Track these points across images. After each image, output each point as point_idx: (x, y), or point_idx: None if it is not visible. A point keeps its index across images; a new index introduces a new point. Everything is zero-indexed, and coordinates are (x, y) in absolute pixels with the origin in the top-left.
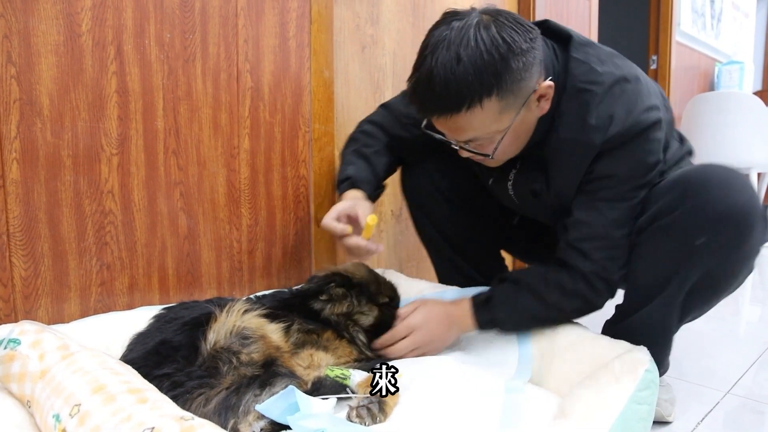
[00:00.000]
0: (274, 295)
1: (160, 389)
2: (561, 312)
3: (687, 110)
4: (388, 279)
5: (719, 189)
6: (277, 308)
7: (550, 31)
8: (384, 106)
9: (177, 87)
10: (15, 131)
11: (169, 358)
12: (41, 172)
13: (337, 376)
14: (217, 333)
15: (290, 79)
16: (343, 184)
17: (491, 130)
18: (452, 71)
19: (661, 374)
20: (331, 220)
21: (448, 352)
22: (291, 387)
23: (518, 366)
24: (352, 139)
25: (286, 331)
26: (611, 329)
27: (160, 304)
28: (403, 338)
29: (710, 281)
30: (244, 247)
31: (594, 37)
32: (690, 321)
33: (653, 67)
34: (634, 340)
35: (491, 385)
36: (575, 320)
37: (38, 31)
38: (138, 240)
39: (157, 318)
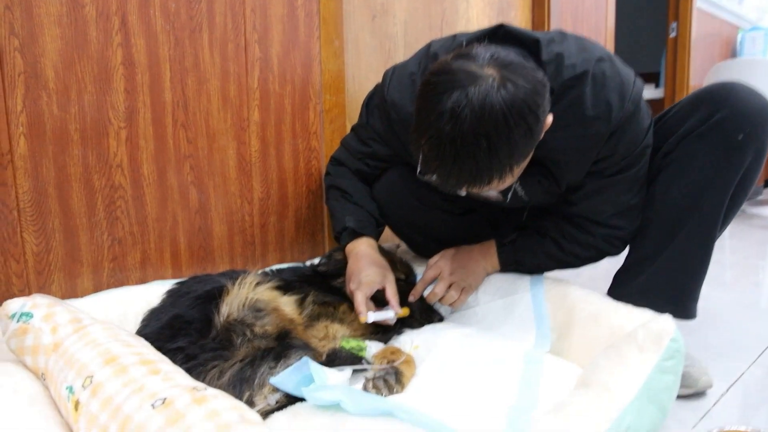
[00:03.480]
0: (292, 269)
1: (174, 362)
2: (577, 258)
3: (708, 79)
4: (402, 257)
5: (749, 92)
6: (292, 281)
7: (512, 37)
8: (343, 144)
9: (184, 58)
10: (21, 105)
11: (183, 331)
12: (49, 146)
13: (352, 348)
14: (230, 306)
15: (299, 49)
16: (343, 233)
17: (512, 182)
18: (485, 153)
19: (689, 317)
20: (368, 311)
21: (464, 325)
22: (305, 358)
23: (536, 338)
24: (331, 187)
25: (300, 303)
26: (632, 280)
27: (173, 278)
28: (438, 282)
29: (746, 181)
30: (256, 221)
31: (611, 4)
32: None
33: (673, 35)
34: (665, 281)
35: (510, 355)
36: (594, 291)
37: (40, 1)
38: (149, 214)
39: (170, 293)
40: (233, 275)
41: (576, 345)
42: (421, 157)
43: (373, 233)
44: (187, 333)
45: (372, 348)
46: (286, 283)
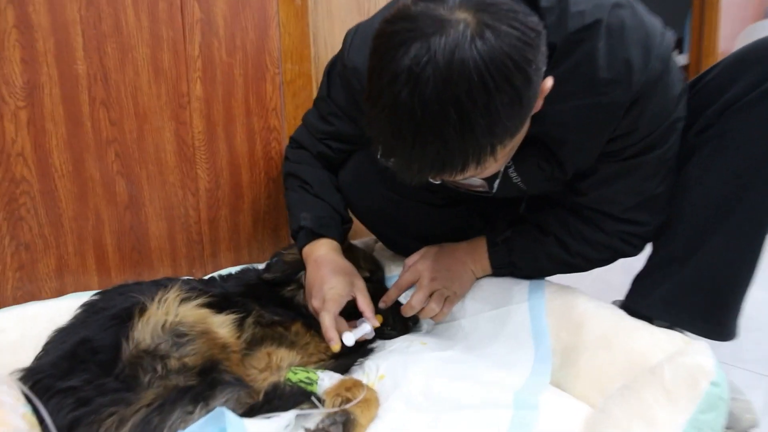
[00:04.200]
0: (239, 276)
1: (62, 408)
2: (586, 260)
3: (740, 43)
4: (371, 252)
5: None
6: (231, 294)
7: None
8: (304, 121)
9: (100, 21)
10: None
11: (83, 364)
12: None
13: (300, 381)
14: (142, 331)
15: (252, 8)
16: (300, 233)
17: (497, 167)
18: (455, 128)
19: (727, 337)
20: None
21: (443, 345)
22: (220, 409)
23: (534, 365)
24: (289, 176)
25: (239, 324)
26: (654, 288)
27: (101, 288)
28: (416, 291)
29: None
30: (204, 216)
31: None
32: None
33: None
34: (698, 290)
35: (497, 396)
36: (608, 304)
37: None
38: (64, 212)
39: (86, 307)
40: (168, 284)
41: (584, 375)
42: (375, 135)
43: (335, 233)
44: (87, 367)
45: (325, 380)
46: (223, 298)
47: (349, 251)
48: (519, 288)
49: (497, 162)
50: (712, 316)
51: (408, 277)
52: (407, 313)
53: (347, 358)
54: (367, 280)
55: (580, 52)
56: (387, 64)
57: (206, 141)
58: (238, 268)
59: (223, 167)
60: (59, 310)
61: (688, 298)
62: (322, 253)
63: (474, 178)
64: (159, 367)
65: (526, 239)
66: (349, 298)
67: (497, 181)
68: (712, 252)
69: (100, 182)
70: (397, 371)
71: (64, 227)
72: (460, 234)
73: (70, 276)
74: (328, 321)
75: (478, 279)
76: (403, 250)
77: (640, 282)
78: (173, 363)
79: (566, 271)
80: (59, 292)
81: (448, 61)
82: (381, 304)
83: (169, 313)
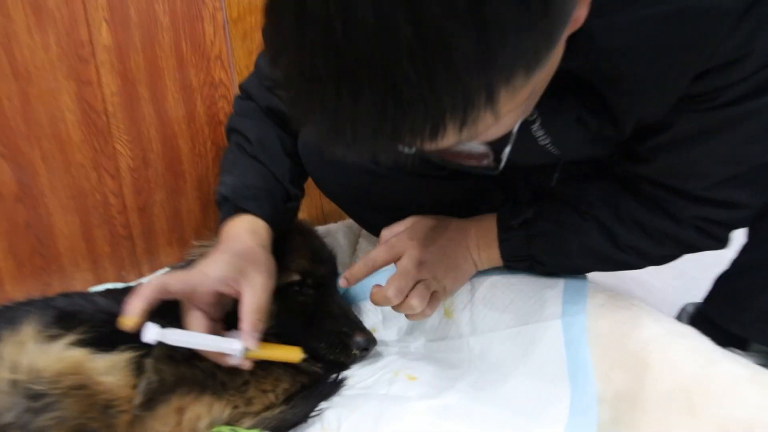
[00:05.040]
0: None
1: None
2: (640, 256)
3: None
4: (319, 240)
5: None
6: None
7: None
8: (255, 66)
9: None
10: None
11: None
12: None
13: None
14: None
15: None
16: (223, 207)
17: (504, 126)
18: (411, 58)
19: None
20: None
21: (443, 386)
22: None
23: (569, 419)
24: (232, 132)
25: (137, 366)
26: (752, 297)
27: None
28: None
29: None
30: (130, 203)
31: None
32: None
33: None
34: None
35: None
36: (687, 327)
37: None
38: None
39: None
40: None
41: None
42: (279, 77)
43: (264, 209)
44: None
45: None
46: (111, 330)
47: (287, 240)
48: (550, 294)
49: (502, 117)
50: None
51: (383, 254)
52: (379, 303)
53: (302, 404)
54: (286, 286)
55: None
56: None
57: (123, 105)
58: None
59: (151, 138)
60: None
61: None
62: (237, 231)
63: (467, 144)
64: None
65: (553, 224)
66: (231, 292)
67: (508, 148)
68: None
69: None
70: (370, 429)
71: None
72: (470, 214)
73: None
74: (142, 291)
75: (478, 271)
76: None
77: (727, 285)
78: None
79: (607, 268)
80: None
81: None
82: (342, 281)
83: (18, 366)
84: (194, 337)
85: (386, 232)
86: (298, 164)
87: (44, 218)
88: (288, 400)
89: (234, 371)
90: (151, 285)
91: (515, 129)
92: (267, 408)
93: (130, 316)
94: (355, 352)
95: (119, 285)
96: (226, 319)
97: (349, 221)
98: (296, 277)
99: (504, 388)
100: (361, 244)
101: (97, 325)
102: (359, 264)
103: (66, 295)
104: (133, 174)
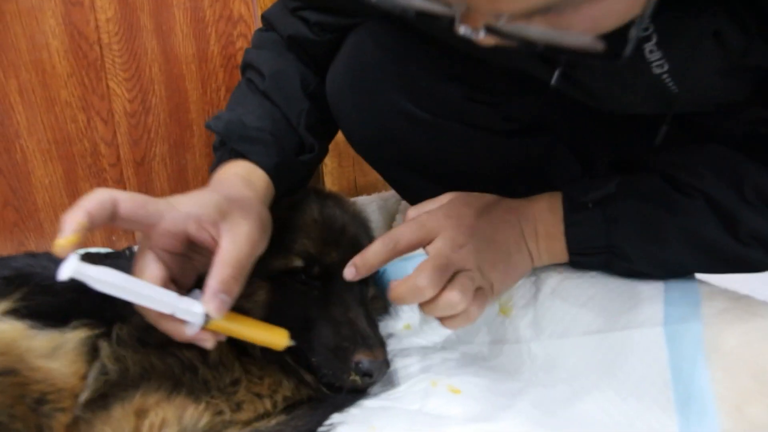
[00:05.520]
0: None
1: None
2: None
3: None
4: (349, 217)
5: None
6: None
7: None
8: None
9: None
10: None
11: None
12: None
13: None
14: None
15: None
16: (217, 152)
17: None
18: None
19: None
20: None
21: (495, 405)
22: None
23: None
24: (247, 68)
25: (90, 350)
26: None
27: None
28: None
29: None
30: (126, 155)
31: None
32: None
33: None
34: None
35: None
36: None
37: None
38: None
39: None
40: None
41: None
42: None
43: (266, 158)
44: None
45: None
46: (69, 301)
47: (294, 209)
48: (649, 289)
49: None
50: None
51: (410, 232)
52: (401, 298)
53: (307, 416)
54: (283, 273)
55: None
56: None
57: (121, 35)
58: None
59: (153, 78)
60: None
61: None
62: (222, 178)
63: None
64: None
65: (643, 201)
66: (184, 231)
67: (630, 45)
68: None
69: None
70: None
71: None
72: (534, 186)
73: None
74: (78, 206)
75: (536, 268)
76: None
77: None
78: None
79: (717, 268)
80: None
81: None
82: (347, 272)
83: None
84: (134, 285)
85: (413, 211)
86: (320, 109)
87: (20, 165)
88: (289, 409)
89: (221, 366)
90: (96, 196)
91: (633, 37)
92: (260, 417)
93: (65, 234)
94: (355, 378)
95: (105, 251)
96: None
97: (385, 193)
98: (298, 263)
99: (578, 412)
100: (399, 222)
101: (50, 292)
102: (376, 245)
103: (32, 255)
104: (130, 120)
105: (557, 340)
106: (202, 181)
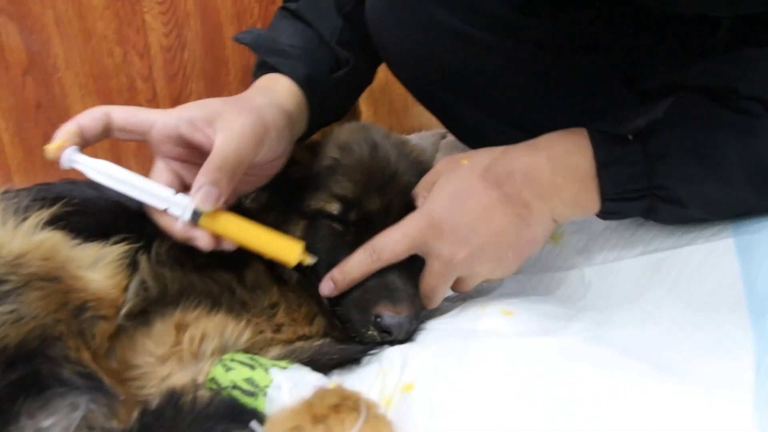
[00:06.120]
0: None
1: None
2: None
3: None
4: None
5: None
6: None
7: None
8: None
9: None
10: None
11: None
12: None
13: (234, 386)
14: None
15: None
16: (255, 74)
17: None
18: None
19: None
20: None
21: (551, 327)
22: None
23: (757, 384)
24: None
25: (131, 263)
26: None
27: None
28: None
29: None
30: (161, 90)
31: None
32: None
33: None
34: None
35: None
36: None
37: None
38: None
39: None
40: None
41: None
42: None
43: (296, 70)
44: None
45: (285, 386)
46: (108, 219)
47: (345, 146)
48: None
49: None
50: None
51: (393, 244)
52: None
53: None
54: (317, 214)
55: None
56: None
57: None
58: None
59: (188, 12)
60: None
61: None
62: (252, 90)
63: None
64: None
65: (695, 129)
66: (179, 134)
67: None
68: None
69: None
70: (444, 376)
71: None
72: (581, 111)
73: None
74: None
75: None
76: (477, 137)
77: None
78: None
79: None
80: None
81: None
82: (323, 288)
83: None
84: (130, 177)
85: (421, 185)
86: (355, 29)
87: (59, 99)
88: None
89: (259, 289)
90: (89, 111)
91: None
92: (301, 338)
93: (56, 139)
94: (373, 332)
95: None
96: None
97: (424, 132)
98: (335, 208)
99: (639, 333)
100: (440, 159)
101: (91, 210)
102: (358, 255)
103: (71, 182)
104: (166, 55)
105: (612, 264)
106: None
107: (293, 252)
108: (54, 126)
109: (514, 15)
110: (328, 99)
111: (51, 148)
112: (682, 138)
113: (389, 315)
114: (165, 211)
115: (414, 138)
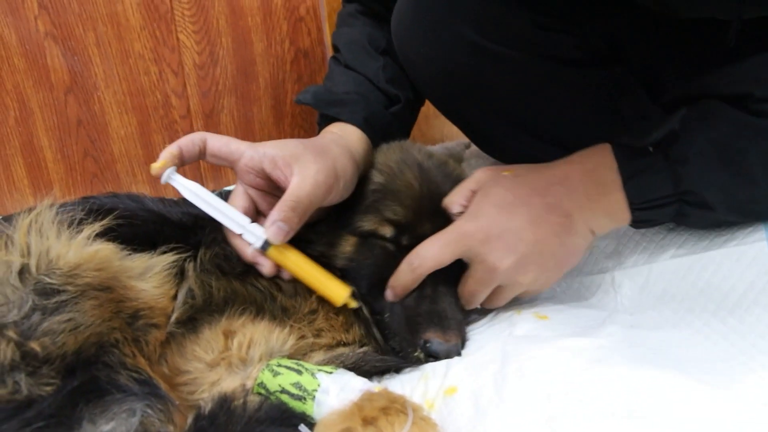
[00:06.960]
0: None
1: None
2: None
3: None
4: (447, 165)
5: None
6: (172, 221)
7: None
8: None
9: None
10: None
11: None
12: None
13: (282, 390)
14: None
15: None
16: (323, 122)
17: None
18: None
19: None
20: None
21: (584, 327)
22: None
23: None
24: (334, 48)
25: (178, 272)
26: None
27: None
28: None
29: None
30: (195, 106)
31: None
32: None
33: None
34: None
35: None
36: None
37: None
38: None
39: None
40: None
41: None
42: None
43: (354, 114)
44: None
45: (333, 391)
46: (151, 224)
47: (393, 176)
48: None
49: None
50: None
51: (437, 252)
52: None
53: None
54: (369, 235)
55: None
56: None
57: None
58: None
59: (221, 31)
60: None
61: None
62: (319, 138)
63: None
64: None
65: (716, 134)
66: (261, 168)
67: None
68: None
69: (18, 50)
70: (489, 380)
71: None
72: (605, 123)
73: None
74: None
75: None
76: (501, 149)
77: None
78: (11, 350)
79: None
80: None
81: None
82: (389, 296)
83: (29, 251)
84: (215, 201)
85: (455, 196)
86: (396, 62)
87: (98, 116)
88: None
89: (298, 296)
90: (190, 135)
91: None
92: (340, 344)
93: (160, 159)
94: (419, 354)
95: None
96: None
97: (449, 143)
98: (388, 231)
99: (670, 336)
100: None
101: (137, 221)
102: (403, 265)
103: (115, 195)
104: (199, 72)
105: (643, 267)
106: (268, 134)
107: (341, 296)
108: (93, 142)
109: (535, 31)
110: (388, 132)
111: (155, 167)
112: (702, 142)
113: (439, 342)
114: (240, 235)
115: (438, 148)
